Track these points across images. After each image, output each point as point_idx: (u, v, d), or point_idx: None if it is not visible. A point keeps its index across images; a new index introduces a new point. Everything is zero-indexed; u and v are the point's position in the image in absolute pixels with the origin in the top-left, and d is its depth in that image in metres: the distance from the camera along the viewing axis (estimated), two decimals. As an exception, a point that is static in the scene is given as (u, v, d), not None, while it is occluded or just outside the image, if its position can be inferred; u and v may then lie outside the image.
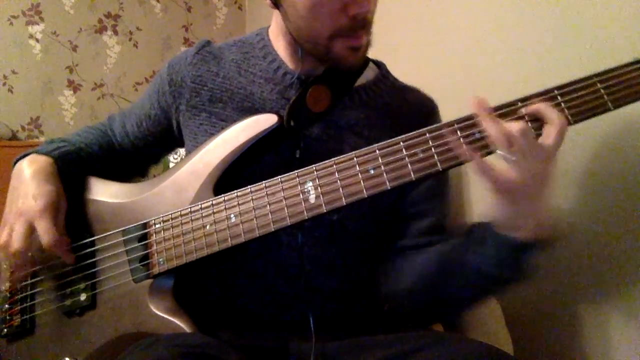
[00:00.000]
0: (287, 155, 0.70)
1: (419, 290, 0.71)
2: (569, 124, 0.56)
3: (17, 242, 0.66)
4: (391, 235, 0.77)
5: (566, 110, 0.56)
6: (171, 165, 1.57)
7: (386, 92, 0.79)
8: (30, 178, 0.70)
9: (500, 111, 0.57)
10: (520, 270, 0.61)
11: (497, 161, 0.56)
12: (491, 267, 0.61)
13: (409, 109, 0.78)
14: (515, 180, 0.54)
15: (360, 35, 0.66)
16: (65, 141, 0.81)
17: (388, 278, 0.76)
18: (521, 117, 0.57)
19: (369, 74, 0.79)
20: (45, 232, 0.66)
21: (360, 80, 0.76)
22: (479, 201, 1.12)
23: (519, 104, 0.58)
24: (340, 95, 0.73)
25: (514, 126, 0.54)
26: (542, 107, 0.56)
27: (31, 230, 0.67)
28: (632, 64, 0.57)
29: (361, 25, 0.64)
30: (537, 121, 0.56)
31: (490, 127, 0.55)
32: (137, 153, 0.88)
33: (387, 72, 0.82)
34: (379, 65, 0.83)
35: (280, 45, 0.77)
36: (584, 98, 0.56)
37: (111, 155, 0.87)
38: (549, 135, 0.55)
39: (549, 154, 0.55)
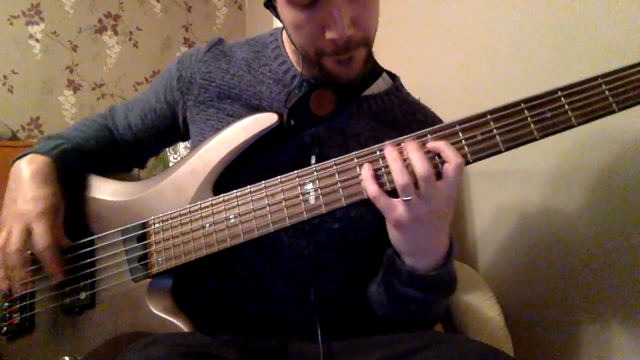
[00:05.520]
0: (300, 160, 0.68)
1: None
2: (573, 126, 0.55)
3: (14, 244, 0.67)
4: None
5: (570, 112, 0.55)
6: (171, 164, 1.57)
7: (397, 106, 0.78)
8: (28, 179, 0.70)
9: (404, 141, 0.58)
10: (443, 286, 0.63)
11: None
12: (416, 292, 0.62)
13: (417, 127, 0.77)
14: (409, 218, 0.56)
15: (346, 56, 0.63)
16: (62, 138, 0.80)
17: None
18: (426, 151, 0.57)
19: (382, 84, 0.78)
20: (41, 236, 0.66)
21: (372, 90, 0.75)
22: (480, 201, 1.12)
23: (428, 135, 0.58)
24: (345, 101, 0.72)
25: (419, 168, 0.55)
26: (442, 146, 0.56)
27: (28, 232, 0.67)
28: (637, 65, 0.55)
29: (344, 48, 0.62)
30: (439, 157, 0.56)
31: (396, 171, 0.56)
32: (138, 145, 0.87)
33: (401, 85, 0.81)
34: (394, 77, 0.82)
35: (289, 49, 0.77)
36: (589, 100, 0.55)
37: (110, 148, 0.86)
38: (447, 174, 0.55)
39: (448, 195, 0.56)
